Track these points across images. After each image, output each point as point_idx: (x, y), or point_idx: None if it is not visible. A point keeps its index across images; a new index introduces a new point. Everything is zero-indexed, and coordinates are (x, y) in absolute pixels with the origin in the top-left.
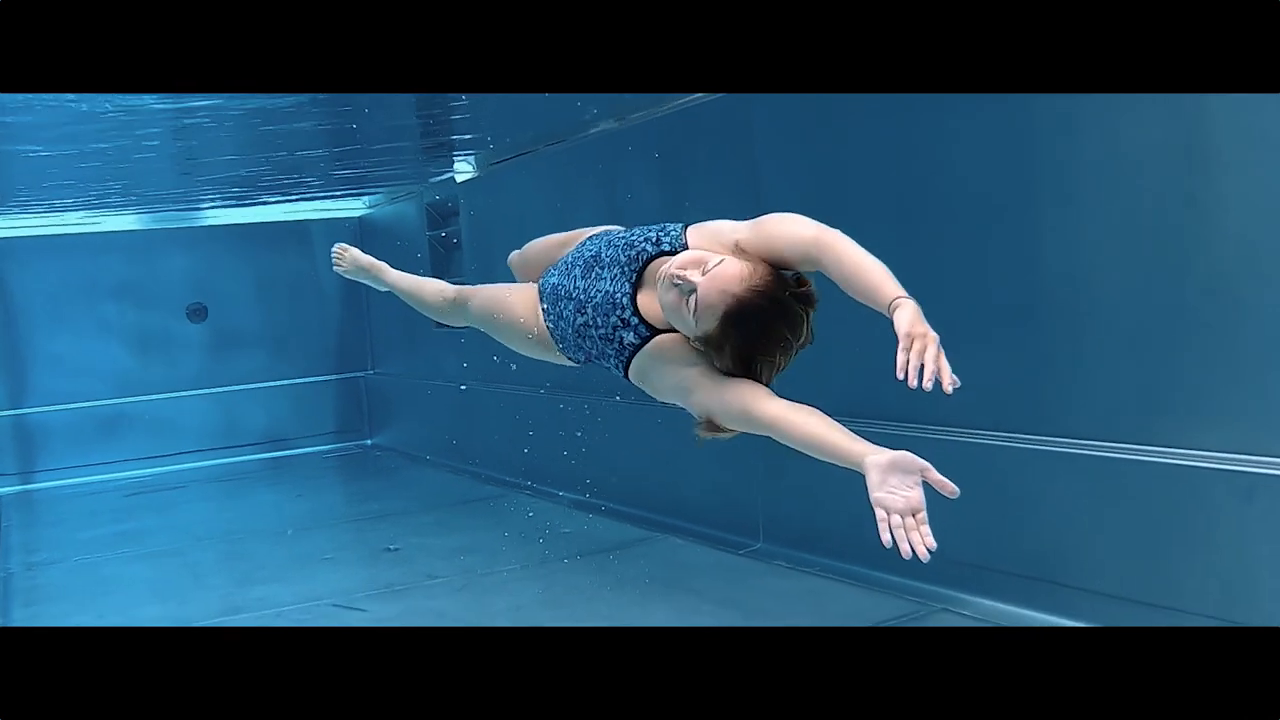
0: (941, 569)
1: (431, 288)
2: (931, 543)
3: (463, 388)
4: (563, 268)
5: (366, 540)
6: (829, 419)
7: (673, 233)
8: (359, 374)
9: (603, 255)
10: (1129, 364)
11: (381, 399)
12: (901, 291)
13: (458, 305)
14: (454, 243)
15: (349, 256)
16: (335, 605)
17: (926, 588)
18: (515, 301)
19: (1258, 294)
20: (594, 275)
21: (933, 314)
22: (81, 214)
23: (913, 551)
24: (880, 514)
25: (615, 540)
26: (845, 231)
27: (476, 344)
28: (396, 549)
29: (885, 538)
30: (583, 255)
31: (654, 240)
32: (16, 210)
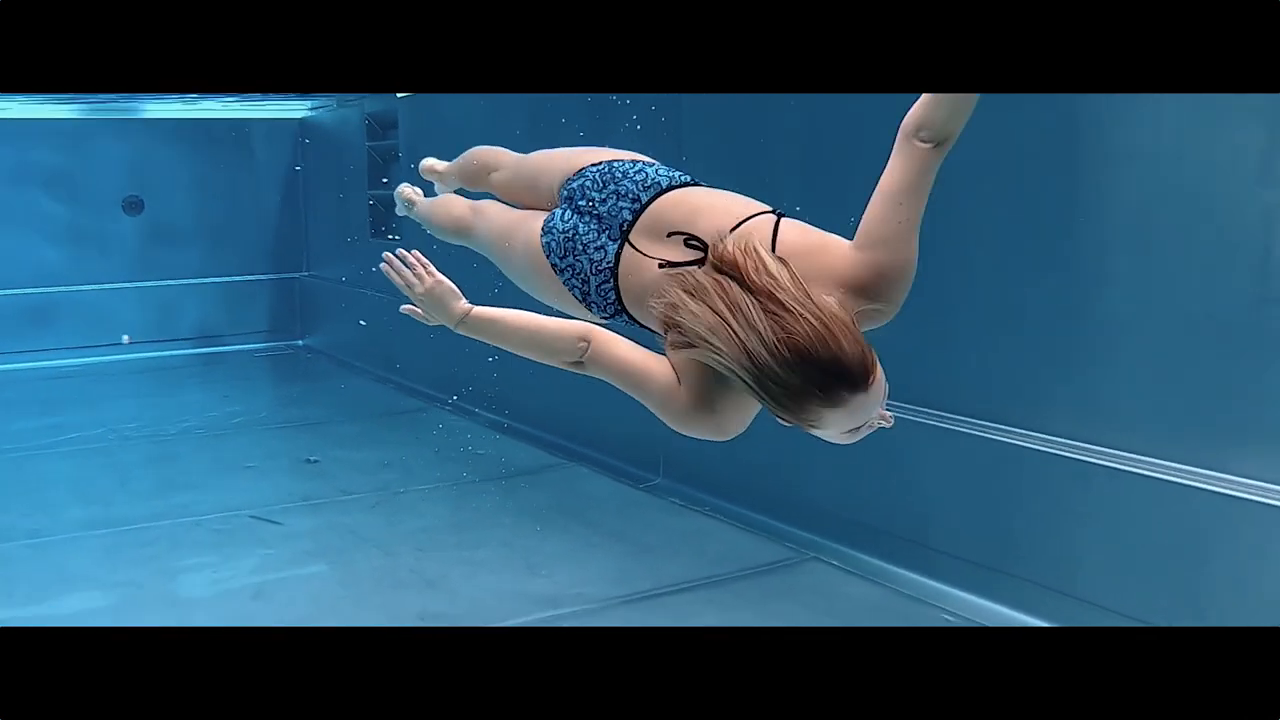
0: (821, 520)
1: (449, 204)
2: None
3: (314, 460)
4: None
5: (289, 449)
6: None
7: None
8: (294, 275)
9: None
10: (1000, 348)
11: (314, 302)
12: None
13: (467, 224)
14: (392, 154)
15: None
16: (253, 517)
17: (804, 535)
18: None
19: (1101, 295)
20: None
21: None
22: (18, 100)
23: None
24: None
25: (526, 465)
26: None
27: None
28: (316, 461)
29: None
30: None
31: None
32: None
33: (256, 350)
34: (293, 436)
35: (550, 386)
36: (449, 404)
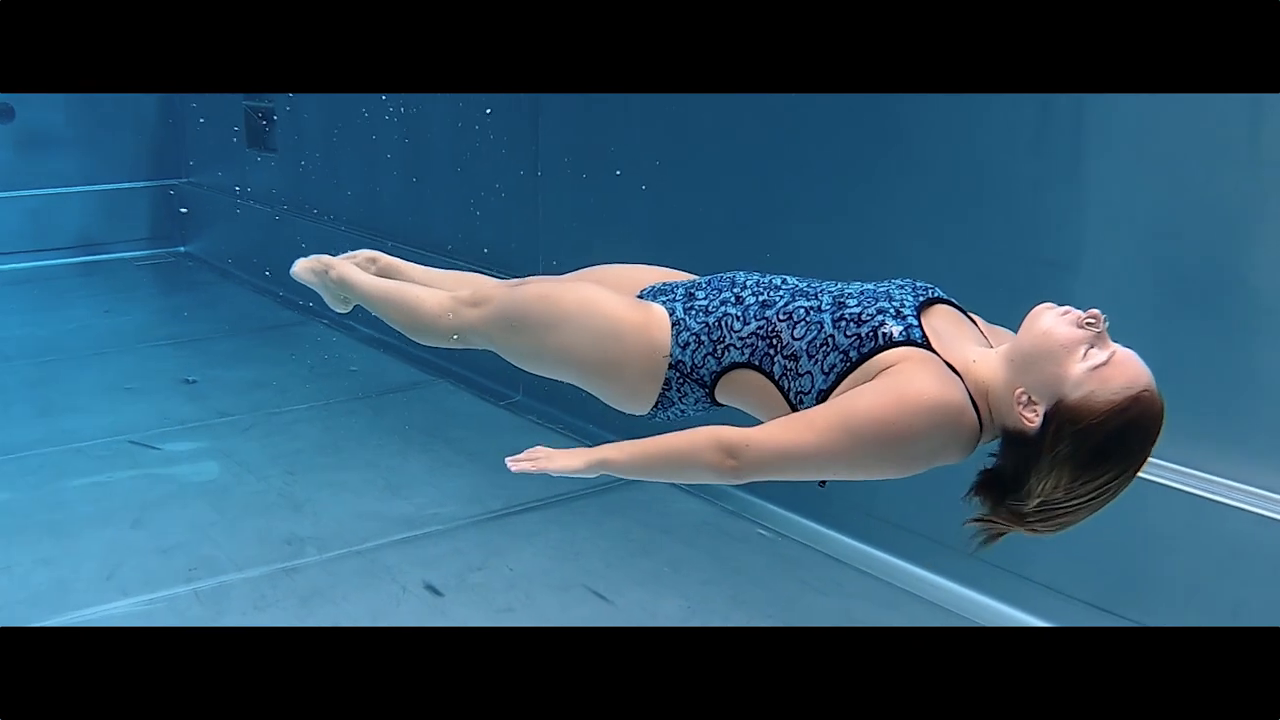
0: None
1: (440, 320)
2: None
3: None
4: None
5: (169, 368)
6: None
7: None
8: (173, 181)
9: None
10: None
11: (195, 209)
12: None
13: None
14: (271, 119)
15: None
16: (133, 442)
17: None
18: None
19: (901, 252)
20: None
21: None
22: None
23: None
24: None
25: (395, 382)
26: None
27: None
28: (195, 381)
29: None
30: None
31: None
32: None
33: (138, 258)
34: (172, 354)
35: None
36: (325, 317)
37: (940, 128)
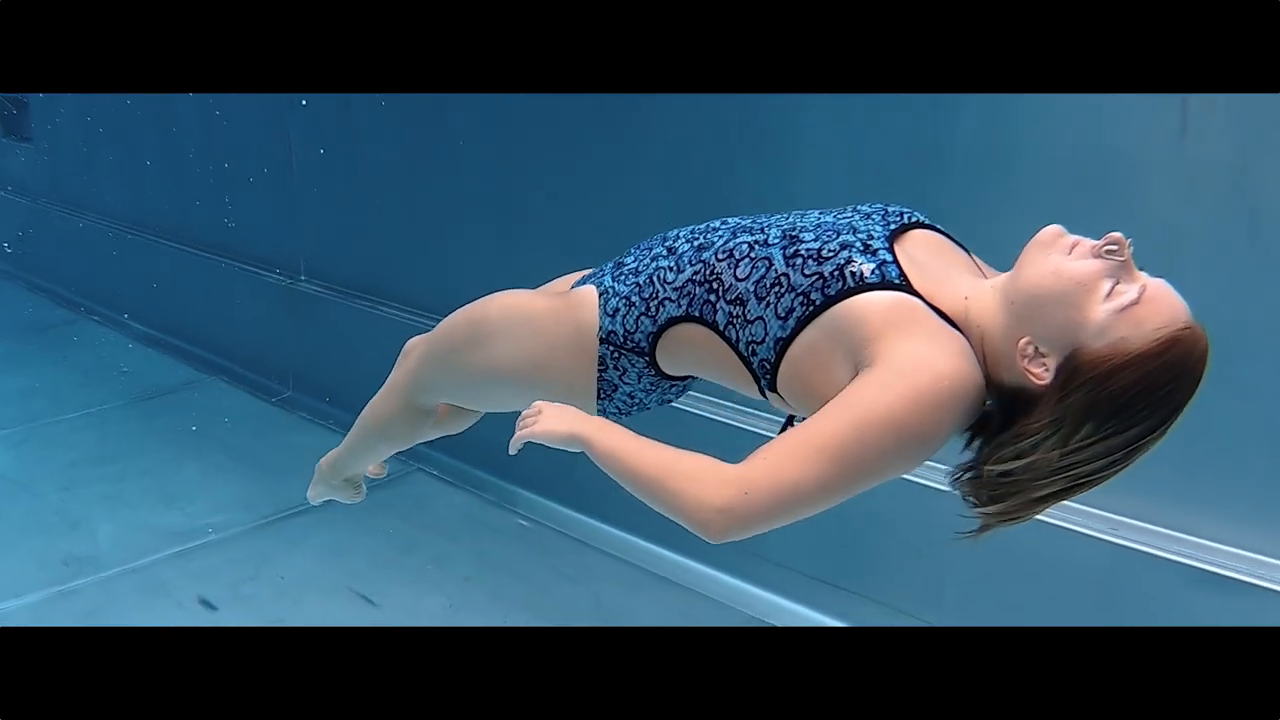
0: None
1: (388, 402)
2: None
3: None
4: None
5: None
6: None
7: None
8: None
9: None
10: None
11: None
12: None
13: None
14: (23, 102)
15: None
16: None
17: (420, 449)
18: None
19: None
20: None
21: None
22: None
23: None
24: None
25: (168, 383)
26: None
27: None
28: None
29: None
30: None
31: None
32: None
33: None
34: None
35: (191, 297)
36: (97, 314)
37: (671, 129)
